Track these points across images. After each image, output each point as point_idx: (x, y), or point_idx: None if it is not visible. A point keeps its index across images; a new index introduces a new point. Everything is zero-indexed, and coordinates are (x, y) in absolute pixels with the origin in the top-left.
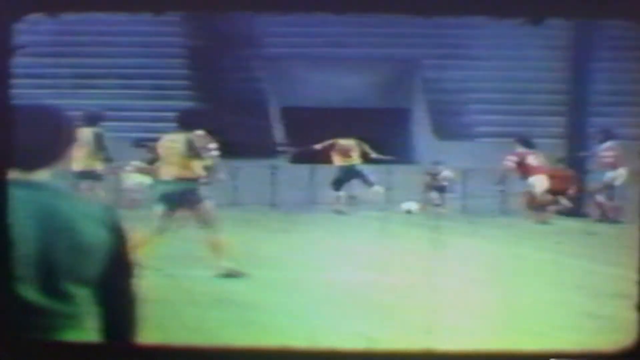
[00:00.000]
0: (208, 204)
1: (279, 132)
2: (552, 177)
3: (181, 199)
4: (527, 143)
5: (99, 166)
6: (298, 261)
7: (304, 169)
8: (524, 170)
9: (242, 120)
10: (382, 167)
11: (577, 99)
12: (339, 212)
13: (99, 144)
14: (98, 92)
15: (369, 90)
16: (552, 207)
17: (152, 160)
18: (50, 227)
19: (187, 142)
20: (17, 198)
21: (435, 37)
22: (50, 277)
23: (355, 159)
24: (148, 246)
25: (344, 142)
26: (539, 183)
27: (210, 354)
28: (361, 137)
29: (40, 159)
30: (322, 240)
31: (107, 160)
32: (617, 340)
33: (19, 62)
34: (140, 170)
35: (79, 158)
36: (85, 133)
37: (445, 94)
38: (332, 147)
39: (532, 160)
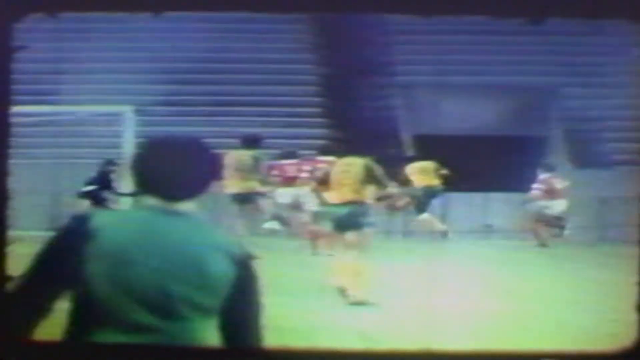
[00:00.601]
0: (370, 231)
1: (411, 160)
2: None
3: (349, 222)
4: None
5: (256, 188)
6: (425, 289)
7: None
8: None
9: (376, 148)
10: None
11: None
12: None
13: (257, 167)
14: (234, 119)
15: (504, 118)
16: None
17: (321, 181)
18: (179, 256)
19: (366, 167)
20: (156, 225)
21: (570, 65)
22: (170, 302)
23: (433, 180)
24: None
25: (420, 164)
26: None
27: (210, 354)
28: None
29: (184, 190)
30: (448, 268)
31: (264, 182)
32: (617, 340)
33: (159, 90)
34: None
35: (236, 181)
36: (243, 156)
37: (581, 122)
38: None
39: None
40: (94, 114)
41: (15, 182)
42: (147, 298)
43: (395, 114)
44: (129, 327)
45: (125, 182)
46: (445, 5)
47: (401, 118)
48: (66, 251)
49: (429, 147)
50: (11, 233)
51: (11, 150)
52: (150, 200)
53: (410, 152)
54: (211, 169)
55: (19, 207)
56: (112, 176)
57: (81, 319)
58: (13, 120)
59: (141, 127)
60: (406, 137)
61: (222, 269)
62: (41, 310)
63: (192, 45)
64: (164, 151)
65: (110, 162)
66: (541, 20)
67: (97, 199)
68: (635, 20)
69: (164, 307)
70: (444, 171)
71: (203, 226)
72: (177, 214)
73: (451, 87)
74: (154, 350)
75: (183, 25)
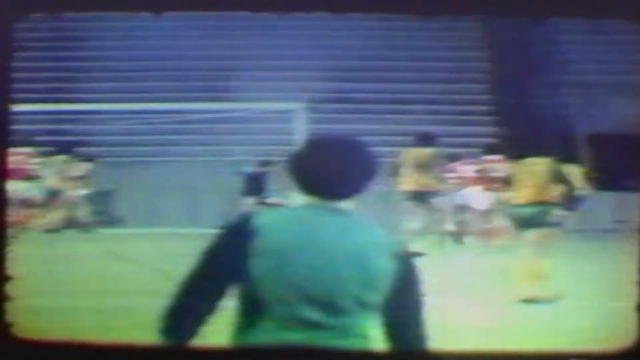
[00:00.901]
0: (552, 230)
1: (585, 159)
2: None
3: (533, 221)
4: None
5: (432, 186)
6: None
7: (609, 196)
8: None
9: (546, 148)
10: None
11: None
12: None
13: (433, 165)
14: (407, 117)
15: None
16: None
17: (505, 181)
18: (341, 253)
19: (552, 168)
20: (318, 223)
21: None
22: (334, 298)
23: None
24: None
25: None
26: None
27: (209, 353)
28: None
29: (344, 189)
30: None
31: (440, 180)
32: (617, 340)
33: (331, 87)
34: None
35: (412, 178)
36: (420, 153)
37: None
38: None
39: None
40: (264, 111)
41: (187, 181)
42: (311, 294)
43: (568, 112)
44: (295, 323)
45: (282, 181)
46: (445, 5)
47: (575, 116)
48: (232, 249)
49: (603, 146)
50: (11, 233)
51: (12, 150)
52: (312, 199)
53: (580, 152)
54: (371, 169)
55: (181, 206)
56: (269, 175)
57: (248, 316)
58: (13, 119)
59: (312, 124)
60: (579, 135)
61: (383, 266)
62: (209, 308)
63: (366, 44)
64: (325, 150)
65: (267, 161)
66: (541, 21)
67: (254, 197)
68: (635, 20)
69: (328, 303)
70: (592, 172)
71: (364, 224)
72: (338, 212)
73: (622, 86)
74: (154, 350)
75: (355, 23)
